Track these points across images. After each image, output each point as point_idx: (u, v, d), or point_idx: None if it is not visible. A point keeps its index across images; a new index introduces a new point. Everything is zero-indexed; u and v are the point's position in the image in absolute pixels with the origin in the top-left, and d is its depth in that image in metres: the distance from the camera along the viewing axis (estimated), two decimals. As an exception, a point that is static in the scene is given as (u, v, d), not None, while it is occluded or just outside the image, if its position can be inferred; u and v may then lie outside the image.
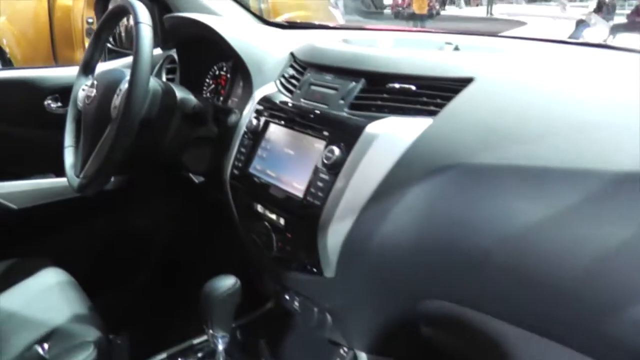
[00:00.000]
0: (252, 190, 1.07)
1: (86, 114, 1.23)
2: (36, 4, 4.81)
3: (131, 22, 1.11)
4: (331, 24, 1.67)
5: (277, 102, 1.11)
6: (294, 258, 1.01)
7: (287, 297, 1.18)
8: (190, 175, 1.48)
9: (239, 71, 1.28)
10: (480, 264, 0.76)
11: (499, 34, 1.39)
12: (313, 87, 1.05)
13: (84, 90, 1.29)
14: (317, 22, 1.73)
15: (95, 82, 1.22)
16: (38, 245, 1.60)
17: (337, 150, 0.90)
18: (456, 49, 1.16)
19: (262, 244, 1.06)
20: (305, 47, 1.19)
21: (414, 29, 1.53)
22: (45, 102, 1.61)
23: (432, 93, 0.88)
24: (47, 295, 1.24)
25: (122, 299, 1.69)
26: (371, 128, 0.88)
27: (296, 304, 1.16)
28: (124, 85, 1.15)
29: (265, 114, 1.11)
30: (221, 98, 1.43)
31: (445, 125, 0.83)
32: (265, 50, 1.26)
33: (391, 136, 0.86)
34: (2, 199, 1.54)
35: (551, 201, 0.70)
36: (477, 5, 22.43)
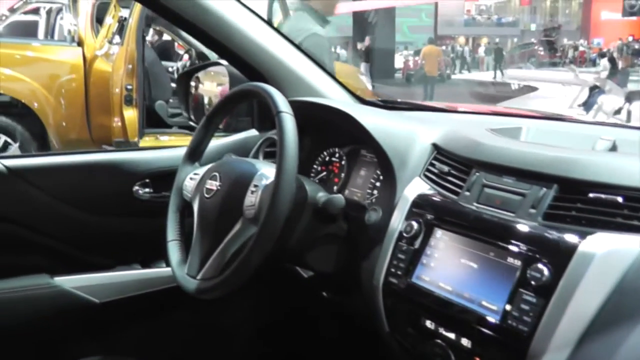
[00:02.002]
0: (420, 304, 0.97)
1: (206, 208, 1.12)
2: (71, 67, 4.78)
3: None
4: (436, 105, 1.58)
5: (441, 204, 1.01)
6: None
7: None
8: (297, 268, 1.36)
9: (380, 162, 1.17)
10: None
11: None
12: (488, 190, 0.95)
13: (193, 179, 1.20)
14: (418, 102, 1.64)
15: (218, 174, 1.12)
16: (121, 341, 1.47)
17: (545, 271, 0.80)
18: (614, 146, 1.07)
19: None
20: (459, 141, 1.08)
21: (550, 115, 1.44)
22: (134, 188, 1.49)
23: (636, 206, 0.80)
24: None
25: None
26: (585, 247, 0.79)
27: None
28: (261, 182, 1.05)
29: (428, 217, 1.00)
30: (335, 187, 1.34)
31: None
32: (407, 139, 1.15)
33: (611, 257, 0.78)
34: (83, 292, 1.41)
35: None
36: (488, 69, 22.79)
